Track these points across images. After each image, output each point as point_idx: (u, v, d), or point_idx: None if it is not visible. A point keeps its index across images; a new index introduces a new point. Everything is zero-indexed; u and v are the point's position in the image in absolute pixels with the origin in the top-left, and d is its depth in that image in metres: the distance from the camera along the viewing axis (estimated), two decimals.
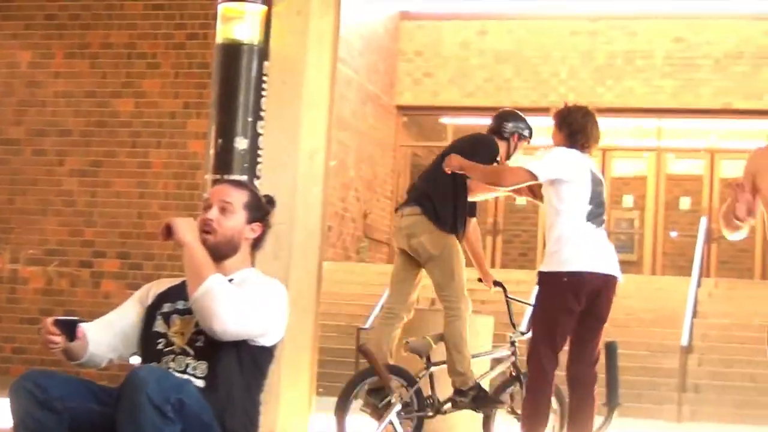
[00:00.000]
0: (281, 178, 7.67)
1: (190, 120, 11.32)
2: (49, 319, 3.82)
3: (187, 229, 3.88)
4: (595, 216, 6.31)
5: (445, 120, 21.21)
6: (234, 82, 6.52)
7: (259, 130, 6.55)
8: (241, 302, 3.78)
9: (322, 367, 9.17)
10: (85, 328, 4.00)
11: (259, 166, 6.53)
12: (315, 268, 7.93)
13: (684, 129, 20.76)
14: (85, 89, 11.62)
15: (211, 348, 3.84)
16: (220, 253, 3.95)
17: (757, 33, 19.33)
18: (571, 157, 6.35)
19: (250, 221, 4.02)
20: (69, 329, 3.79)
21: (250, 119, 6.51)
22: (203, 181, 6.29)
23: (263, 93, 6.59)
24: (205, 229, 3.95)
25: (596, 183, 6.35)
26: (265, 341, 3.91)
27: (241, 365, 3.87)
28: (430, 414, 7.25)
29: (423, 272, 7.45)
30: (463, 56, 20.42)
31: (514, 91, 19.99)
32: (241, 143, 6.45)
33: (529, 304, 7.85)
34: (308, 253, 7.87)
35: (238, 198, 4.02)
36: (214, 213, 3.98)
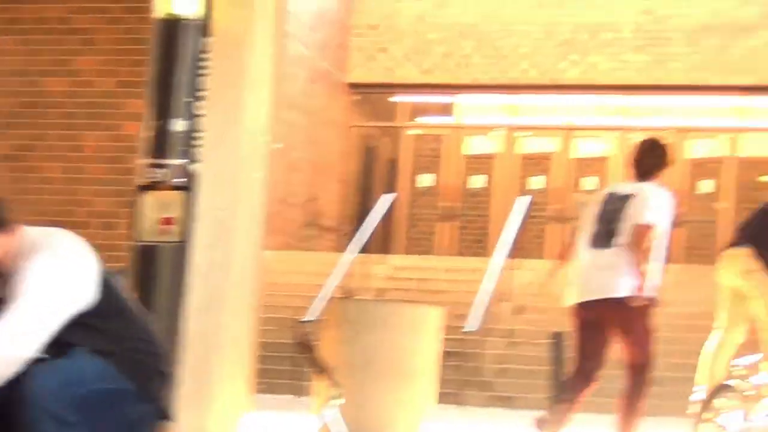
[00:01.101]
0: (223, 162, 7.63)
1: (128, 100, 11.24)
2: None
3: None
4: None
5: (399, 98, 21.10)
6: (171, 60, 6.43)
7: (199, 111, 6.48)
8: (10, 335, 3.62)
9: (262, 363, 9.17)
10: None
11: (199, 149, 6.47)
12: (256, 258, 7.89)
13: (652, 107, 20.77)
14: (13, 68, 11.51)
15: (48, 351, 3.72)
16: None
17: (730, 5, 19.38)
18: None
19: None
20: None
21: (188, 99, 6.45)
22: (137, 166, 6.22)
23: (203, 71, 6.53)
24: None
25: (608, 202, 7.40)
26: (70, 313, 3.76)
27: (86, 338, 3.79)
28: None
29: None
30: (420, 30, 20.36)
31: (473, 68, 19.95)
32: (178, 125, 6.39)
33: None
34: (249, 241, 7.83)
35: None
36: None
